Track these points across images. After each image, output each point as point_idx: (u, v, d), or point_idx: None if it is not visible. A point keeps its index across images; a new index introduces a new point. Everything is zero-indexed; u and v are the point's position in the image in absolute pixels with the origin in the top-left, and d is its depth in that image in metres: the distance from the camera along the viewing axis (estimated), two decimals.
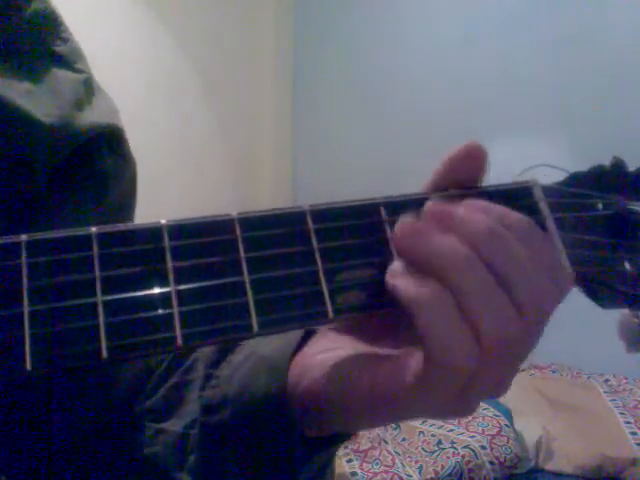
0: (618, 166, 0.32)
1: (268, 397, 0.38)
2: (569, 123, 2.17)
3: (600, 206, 0.32)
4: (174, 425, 0.43)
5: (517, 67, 2.29)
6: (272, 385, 0.38)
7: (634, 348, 0.32)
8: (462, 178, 0.33)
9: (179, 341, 0.28)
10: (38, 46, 0.46)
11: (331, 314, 0.30)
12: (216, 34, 2.62)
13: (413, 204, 0.32)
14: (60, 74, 0.46)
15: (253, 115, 2.83)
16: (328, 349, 0.36)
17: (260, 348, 0.41)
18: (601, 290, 0.32)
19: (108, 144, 0.48)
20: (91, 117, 0.46)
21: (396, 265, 0.30)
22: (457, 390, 0.29)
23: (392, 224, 0.31)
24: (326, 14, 2.80)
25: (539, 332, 0.30)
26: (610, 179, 0.33)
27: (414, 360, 0.30)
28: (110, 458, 0.46)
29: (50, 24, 0.47)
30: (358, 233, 0.31)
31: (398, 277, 0.30)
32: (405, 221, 0.31)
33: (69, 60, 0.47)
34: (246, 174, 2.82)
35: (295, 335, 0.39)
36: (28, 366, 0.25)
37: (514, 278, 0.29)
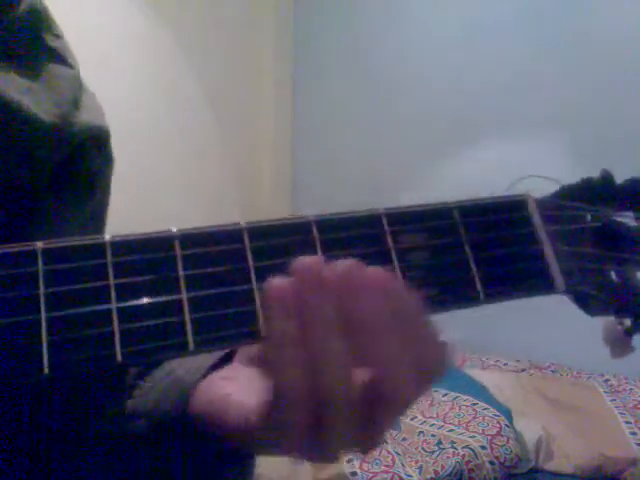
0: (606, 178, 0.33)
1: (175, 416, 0.40)
2: (569, 123, 2.17)
3: (589, 218, 0.33)
4: (104, 425, 0.45)
5: (517, 67, 2.29)
6: (178, 406, 0.40)
7: (618, 353, 0.33)
8: None
9: (191, 346, 0.29)
10: (34, 41, 0.46)
11: None
12: (216, 34, 2.62)
13: (413, 215, 0.33)
14: (56, 70, 0.46)
15: (253, 118, 2.83)
16: (227, 378, 0.39)
17: (178, 367, 0.43)
18: (589, 299, 0.33)
19: (96, 145, 0.48)
20: (85, 117, 0.46)
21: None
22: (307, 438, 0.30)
23: (393, 234, 0.33)
24: (326, 14, 2.80)
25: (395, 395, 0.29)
26: (599, 191, 0.34)
27: (258, 406, 0.31)
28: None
29: (44, 19, 0.47)
30: (360, 243, 0.32)
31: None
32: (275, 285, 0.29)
33: (63, 55, 0.47)
34: (246, 176, 2.82)
35: (209, 359, 0.41)
36: (46, 370, 0.26)
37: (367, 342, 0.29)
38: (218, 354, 0.41)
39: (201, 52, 2.57)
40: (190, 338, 0.29)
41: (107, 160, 0.50)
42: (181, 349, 0.29)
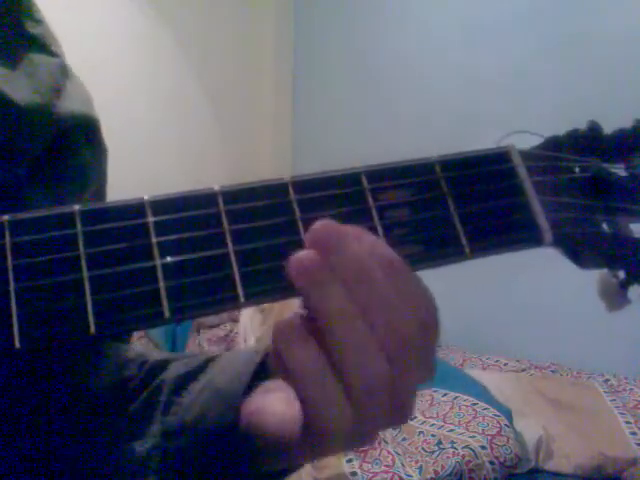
0: (594, 129, 0.33)
1: (221, 428, 0.39)
2: (569, 123, 2.17)
3: (577, 169, 0.33)
4: (140, 445, 0.43)
5: (517, 67, 2.29)
6: (225, 417, 0.38)
7: (613, 307, 0.33)
8: None
9: (166, 315, 0.28)
10: (12, 28, 0.43)
11: None
12: (216, 34, 2.63)
13: (393, 172, 0.33)
14: (37, 58, 0.44)
15: (253, 117, 2.84)
16: (269, 390, 0.38)
17: (216, 378, 0.42)
18: (580, 251, 0.32)
19: (84, 134, 0.46)
20: (68, 105, 0.44)
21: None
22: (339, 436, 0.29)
23: (373, 192, 0.32)
24: (326, 14, 2.81)
25: (409, 373, 0.29)
26: (586, 142, 0.33)
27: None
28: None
29: (22, 4, 0.44)
30: (340, 202, 0.32)
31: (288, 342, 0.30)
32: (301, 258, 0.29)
33: (45, 42, 0.45)
34: (246, 176, 2.81)
35: (248, 368, 0.40)
36: (17, 344, 0.26)
37: (383, 322, 0.28)
38: (254, 361, 0.39)
39: (201, 52, 2.58)
40: (165, 307, 0.28)
41: (99, 150, 0.49)
42: (156, 318, 0.28)
